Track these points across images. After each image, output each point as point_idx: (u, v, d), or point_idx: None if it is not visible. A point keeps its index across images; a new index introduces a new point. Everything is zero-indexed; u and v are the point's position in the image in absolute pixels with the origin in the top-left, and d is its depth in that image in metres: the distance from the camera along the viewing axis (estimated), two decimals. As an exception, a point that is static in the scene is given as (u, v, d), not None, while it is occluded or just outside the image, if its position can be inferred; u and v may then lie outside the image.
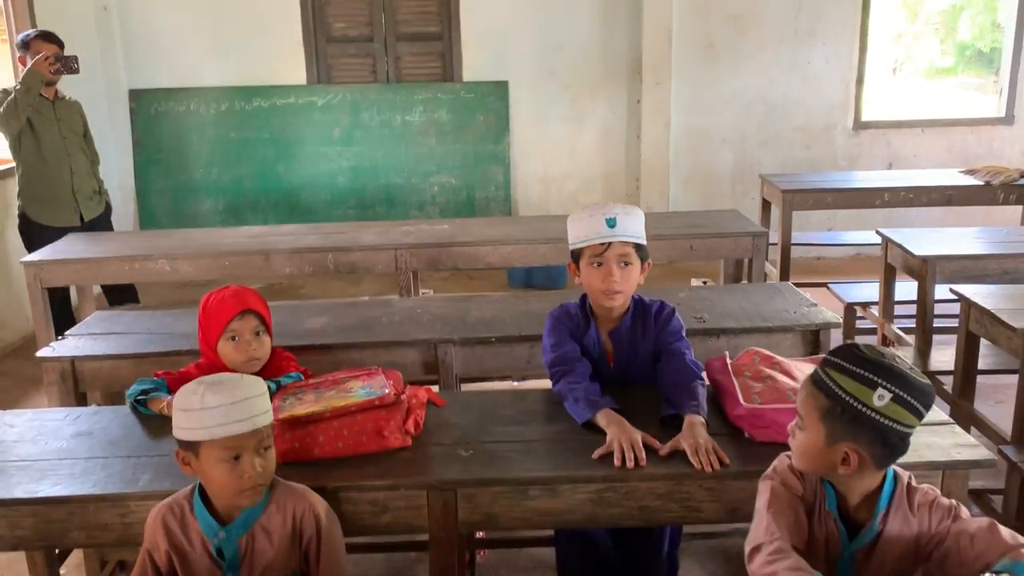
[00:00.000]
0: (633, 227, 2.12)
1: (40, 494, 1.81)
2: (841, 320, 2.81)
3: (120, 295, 4.42)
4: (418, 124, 6.24)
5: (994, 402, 3.77)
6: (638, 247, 2.13)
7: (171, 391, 2.20)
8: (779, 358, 2.14)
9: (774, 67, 6.19)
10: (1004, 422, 3.28)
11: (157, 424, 2.10)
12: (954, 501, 1.57)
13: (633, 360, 2.23)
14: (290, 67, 6.20)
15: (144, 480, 1.86)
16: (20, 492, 1.82)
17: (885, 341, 3.89)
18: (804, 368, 2.13)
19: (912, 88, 11.14)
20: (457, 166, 6.28)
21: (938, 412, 2.06)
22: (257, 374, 2.21)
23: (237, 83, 6.20)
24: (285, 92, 6.20)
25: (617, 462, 1.85)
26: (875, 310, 4.04)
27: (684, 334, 2.24)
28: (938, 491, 1.60)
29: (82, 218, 4.38)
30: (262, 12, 6.10)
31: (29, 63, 4.10)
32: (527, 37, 6.18)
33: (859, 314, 4.26)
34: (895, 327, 3.87)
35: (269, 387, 2.06)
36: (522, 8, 6.13)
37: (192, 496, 1.71)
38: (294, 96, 6.21)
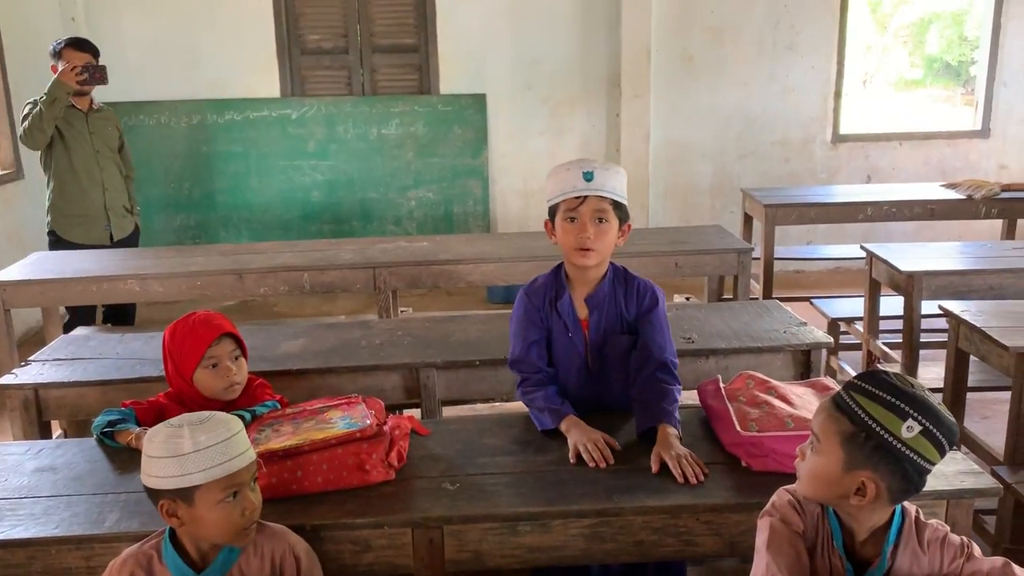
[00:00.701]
0: (612, 183, 2.01)
1: (-1, 536, 1.70)
2: (831, 340, 2.76)
3: (120, 317, 4.24)
4: (394, 137, 6.15)
5: (980, 418, 3.75)
6: (616, 205, 2.02)
7: (140, 422, 2.09)
8: (774, 382, 2.07)
9: (753, 80, 6.18)
10: (991, 439, 3.26)
11: (125, 458, 1.99)
12: (966, 539, 1.51)
13: (610, 331, 2.11)
14: (263, 80, 6.10)
15: (111, 520, 1.75)
16: (-23, 535, 1.71)
17: (871, 357, 3.85)
18: (799, 392, 2.07)
19: (882, 100, 11.27)
20: (435, 180, 6.20)
21: (938, 437, 2.01)
22: (231, 403, 2.12)
23: (209, 96, 6.08)
24: (258, 105, 6.09)
25: (590, 463, 1.88)
26: (859, 326, 4.00)
27: (667, 325, 2.13)
28: (948, 527, 1.54)
29: (111, 236, 4.23)
30: (235, 24, 5.99)
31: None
32: (505, 50, 6.12)
33: (843, 329, 4.22)
34: (880, 343, 3.83)
35: (243, 417, 1.97)
36: (499, 21, 6.07)
37: (161, 544, 1.60)
38: (268, 109, 6.10)
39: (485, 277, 3.57)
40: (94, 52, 4.12)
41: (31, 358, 2.64)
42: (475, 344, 2.67)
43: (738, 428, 1.89)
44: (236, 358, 2.10)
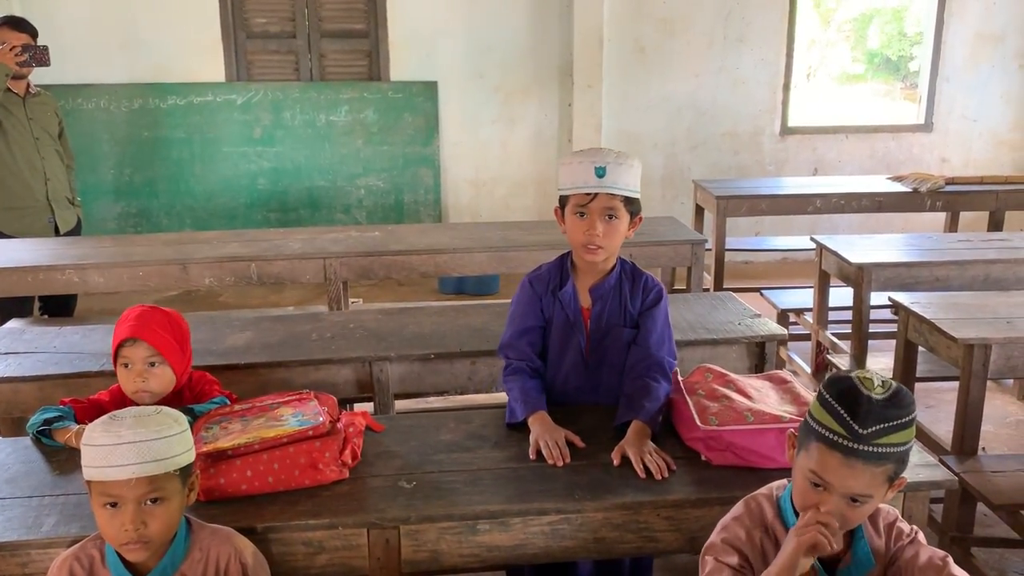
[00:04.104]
0: (625, 179, 1.96)
1: (-76, 545, 1.60)
2: (786, 332, 2.77)
3: (58, 308, 4.05)
4: (343, 124, 6.03)
5: (924, 407, 3.83)
6: (628, 200, 1.99)
7: (79, 420, 2.00)
8: (732, 375, 2.06)
9: (703, 72, 6.21)
10: (936, 427, 3.33)
11: (63, 458, 1.90)
12: (915, 527, 1.52)
13: (613, 323, 2.08)
14: (208, 63, 5.91)
15: (48, 525, 1.66)
16: (-100, 543, 1.61)
17: (820, 348, 3.90)
18: (757, 385, 2.06)
19: (826, 93, 11.47)
20: (385, 168, 6.10)
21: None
22: (175, 400, 2.04)
23: (151, 80, 5.88)
24: (202, 89, 5.92)
25: (548, 460, 1.85)
26: (809, 316, 4.05)
27: (668, 323, 2.12)
28: (898, 512, 1.55)
29: (57, 229, 4.02)
30: (177, 5, 5.79)
31: None
32: (457, 37, 6.04)
33: (792, 320, 4.27)
34: (829, 334, 3.88)
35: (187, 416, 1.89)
36: (451, 7, 5.98)
37: (104, 545, 1.52)
38: (212, 94, 5.93)
39: (438, 267, 3.52)
40: (33, 32, 3.92)
41: (-40, 353, 2.51)
42: (429, 337, 2.62)
43: (697, 422, 1.88)
44: (153, 365, 1.98)
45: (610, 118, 6.16)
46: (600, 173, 1.94)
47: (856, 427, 1.34)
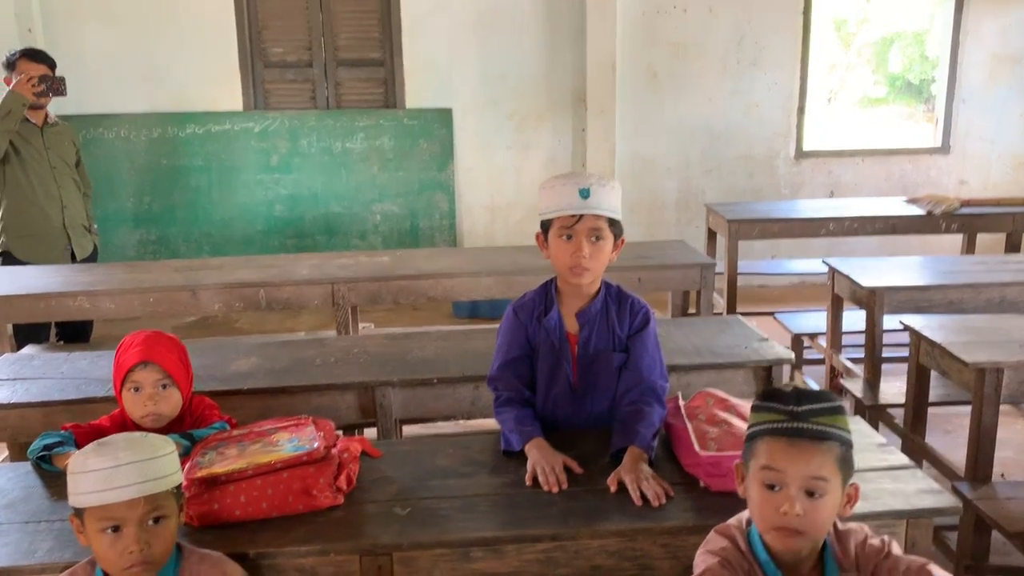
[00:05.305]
0: (608, 200, 1.96)
1: (-81, 569, 1.61)
2: (793, 355, 2.74)
3: (75, 334, 4.10)
4: (359, 151, 6.08)
5: (943, 432, 3.76)
6: (612, 222, 1.98)
7: (80, 445, 2.00)
8: (733, 400, 2.04)
9: (717, 96, 6.21)
10: (953, 453, 3.26)
11: (61, 484, 1.88)
12: (886, 538, 1.50)
13: (601, 348, 2.06)
14: (226, 93, 6.00)
15: (42, 551, 1.67)
16: None
17: (833, 372, 3.85)
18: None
19: (847, 117, 11.42)
20: (400, 194, 6.14)
21: (898, 455, 1.99)
22: (175, 426, 2.05)
23: (170, 109, 5.98)
24: (220, 118, 6.00)
25: (545, 486, 1.83)
26: (823, 340, 4.00)
27: (658, 346, 2.10)
28: (867, 528, 1.53)
29: (73, 256, 4.09)
30: (196, 36, 5.90)
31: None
32: (471, 64, 6.09)
33: (806, 344, 4.22)
34: (843, 358, 3.83)
35: (182, 442, 1.90)
36: (465, 35, 6.04)
37: (94, 570, 1.53)
38: (230, 122, 6.01)
39: (446, 292, 3.52)
40: (51, 64, 4.01)
41: (-33, 379, 2.54)
42: (433, 362, 2.61)
43: (696, 448, 1.85)
44: (164, 387, 2.00)
45: (623, 143, 6.16)
46: (585, 195, 1.93)
47: (791, 407, 1.42)
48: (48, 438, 2.01)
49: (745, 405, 2.03)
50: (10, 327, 3.88)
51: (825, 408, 1.42)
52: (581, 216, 1.95)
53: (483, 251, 4.19)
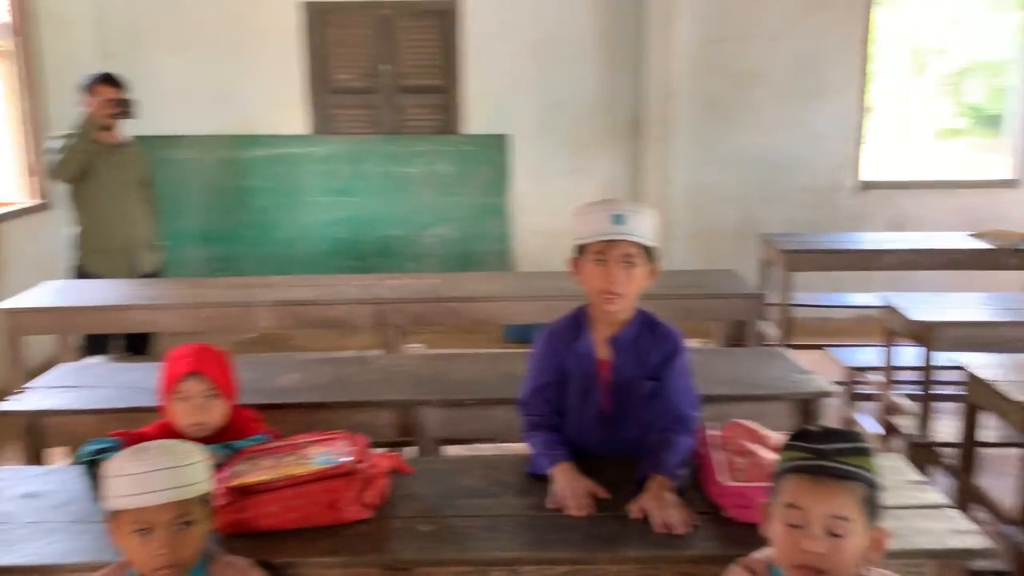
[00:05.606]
0: (642, 227, 1.97)
1: (-36, 563, 1.70)
2: (833, 387, 2.69)
3: (140, 346, 4.28)
4: (418, 175, 6.19)
5: (998, 475, 3.62)
6: (646, 249, 2.00)
7: (126, 452, 2.10)
8: (763, 431, 2.02)
9: (778, 126, 6.14)
10: (1008, 496, 3.14)
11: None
12: None
13: (633, 375, 2.05)
14: (292, 116, 6.20)
15: (85, 551, 1.74)
16: (-58, 560, 1.71)
17: (887, 409, 3.75)
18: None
19: (922, 148, 11.14)
20: (456, 218, 6.22)
21: (934, 493, 1.94)
22: (217, 437, 2.12)
23: (239, 131, 6.20)
24: (286, 142, 6.19)
25: (565, 511, 1.84)
26: (877, 375, 3.90)
27: (688, 374, 2.10)
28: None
29: (138, 271, 4.28)
30: (265, 62, 6.12)
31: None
32: (529, 92, 6.17)
33: (860, 379, 4.12)
34: (896, 394, 3.73)
35: (216, 452, 1.96)
36: (524, 63, 6.13)
37: (125, 572, 1.59)
38: (295, 146, 6.19)
39: (491, 315, 3.56)
40: (123, 87, 4.21)
41: (26, 385, 2.66)
42: (471, 383, 2.65)
43: (721, 478, 1.84)
44: (210, 398, 2.08)
45: (681, 171, 6.14)
46: (619, 220, 1.94)
47: (818, 446, 1.44)
48: (97, 444, 2.09)
49: (775, 437, 2.01)
50: (81, 338, 4.06)
51: (851, 448, 1.43)
52: (613, 242, 1.96)
53: (531, 275, 4.22)
